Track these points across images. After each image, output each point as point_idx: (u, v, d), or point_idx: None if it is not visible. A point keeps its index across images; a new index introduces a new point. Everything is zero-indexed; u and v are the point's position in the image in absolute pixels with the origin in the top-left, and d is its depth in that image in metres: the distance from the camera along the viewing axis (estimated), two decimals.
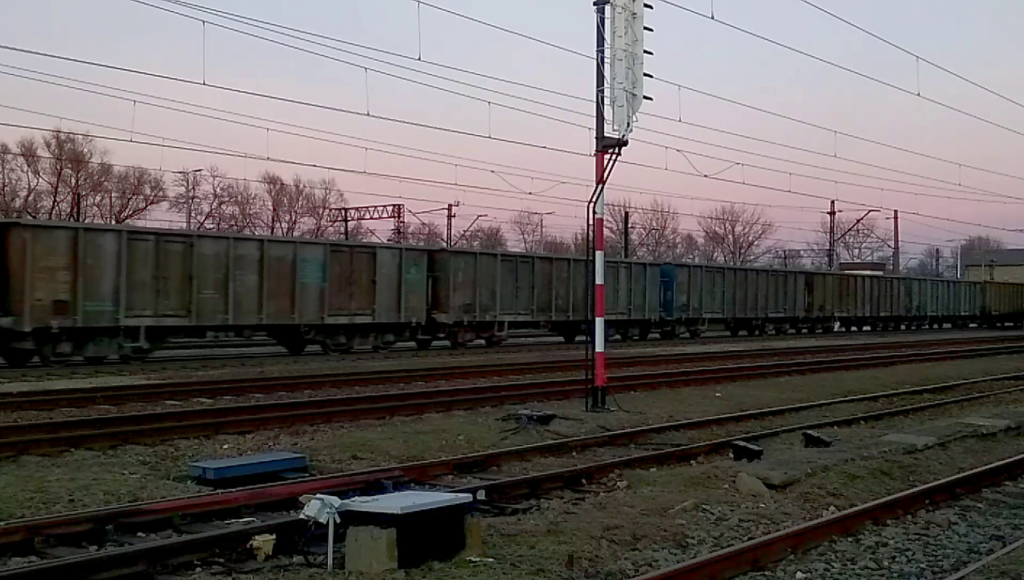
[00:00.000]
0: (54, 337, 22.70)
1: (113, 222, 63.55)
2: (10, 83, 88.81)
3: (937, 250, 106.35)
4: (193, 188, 71.85)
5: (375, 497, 7.20)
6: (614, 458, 11.29)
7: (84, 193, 64.43)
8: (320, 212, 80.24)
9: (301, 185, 79.85)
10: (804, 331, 49.73)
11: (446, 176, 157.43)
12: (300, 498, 8.20)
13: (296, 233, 74.96)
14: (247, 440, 12.35)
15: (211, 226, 72.04)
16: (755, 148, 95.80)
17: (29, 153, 65.51)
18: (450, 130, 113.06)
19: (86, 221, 55.23)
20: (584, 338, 36.93)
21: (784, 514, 8.52)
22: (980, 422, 14.35)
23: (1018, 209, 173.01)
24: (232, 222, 75.93)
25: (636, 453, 11.74)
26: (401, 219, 67.63)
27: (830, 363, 26.68)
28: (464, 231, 76.74)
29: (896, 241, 77.05)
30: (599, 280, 16.43)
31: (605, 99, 15.74)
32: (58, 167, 67.23)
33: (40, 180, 68.25)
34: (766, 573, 6.81)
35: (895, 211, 72.01)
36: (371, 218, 69.01)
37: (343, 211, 71.94)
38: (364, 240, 60.13)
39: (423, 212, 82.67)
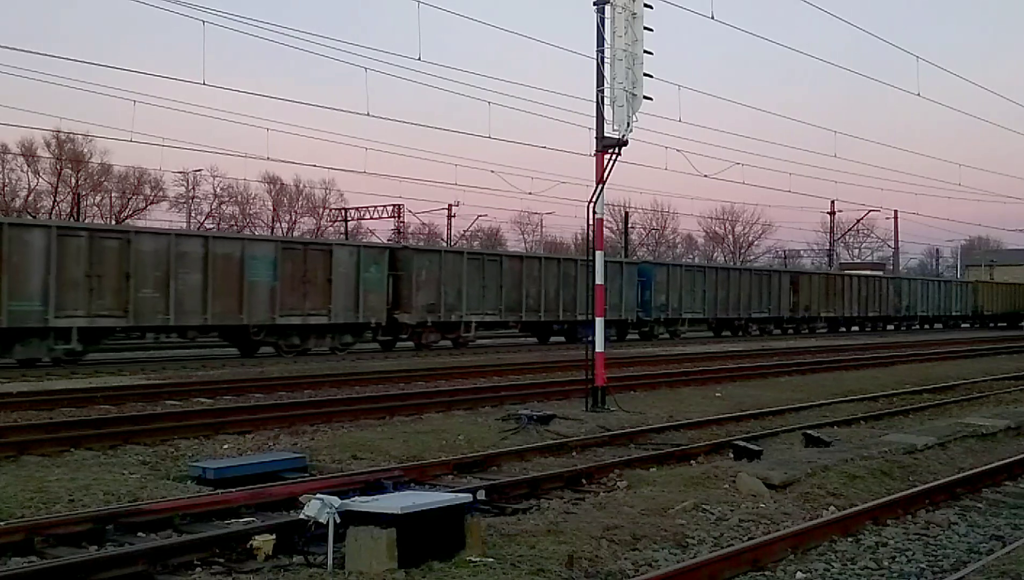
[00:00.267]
0: None
1: (113, 222, 63.60)
2: (10, 83, 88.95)
3: (937, 250, 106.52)
4: (193, 188, 72.01)
5: (375, 497, 7.20)
6: (614, 458, 11.29)
7: (84, 193, 64.48)
8: (320, 212, 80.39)
9: (301, 185, 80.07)
10: (790, 331, 48.56)
11: (446, 176, 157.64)
12: (300, 498, 8.21)
13: (296, 233, 75.00)
14: (247, 440, 12.35)
15: (211, 226, 72.11)
16: (755, 148, 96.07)
17: (29, 153, 65.62)
18: (450, 130, 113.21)
19: (87, 221, 55.23)
20: (561, 339, 37.27)
21: (784, 514, 8.52)
22: (980, 422, 14.35)
23: (1018, 209, 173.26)
24: (232, 222, 75.98)
25: (636, 453, 11.73)
26: (401, 219, 67.69)
27: (830, 363, 26.67)
28: (464, 231, 76.86)
29: (896, 241, 77.08)
30: (599, 280, 16.41)
31: (605, 99, 15.74)
32: (58, 167, 67.27)
33: (40, 180, 68.44)
34: (766, 573, 6.81)
35: (895, 211, 72.08)
36: (371, 218, 69.08)
37: (343, 211, 72.00)
38: (321, 238, 58.88)
39: (423, 212, 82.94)
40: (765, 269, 55.15)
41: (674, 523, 7.94)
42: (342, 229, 71.37)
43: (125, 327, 24.44)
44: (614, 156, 15.81)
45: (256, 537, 7.05)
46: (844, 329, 53.41)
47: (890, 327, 57.67)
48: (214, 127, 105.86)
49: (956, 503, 9.25)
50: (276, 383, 19.10)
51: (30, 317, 22.32)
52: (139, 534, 7.55)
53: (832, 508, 8.78)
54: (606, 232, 62.13)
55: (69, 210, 61.62)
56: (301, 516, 6.78)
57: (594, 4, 15.77)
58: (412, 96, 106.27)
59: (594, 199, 16.01)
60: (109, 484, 9.10)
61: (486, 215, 76.26)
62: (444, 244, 68.60)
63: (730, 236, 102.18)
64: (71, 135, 65.01)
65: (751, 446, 11.46)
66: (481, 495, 7.74)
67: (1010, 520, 8.69)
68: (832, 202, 71.93)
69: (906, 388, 20.09)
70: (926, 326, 61.66)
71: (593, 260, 16.42)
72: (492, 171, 57.42)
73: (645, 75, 15.53)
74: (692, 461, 11.22)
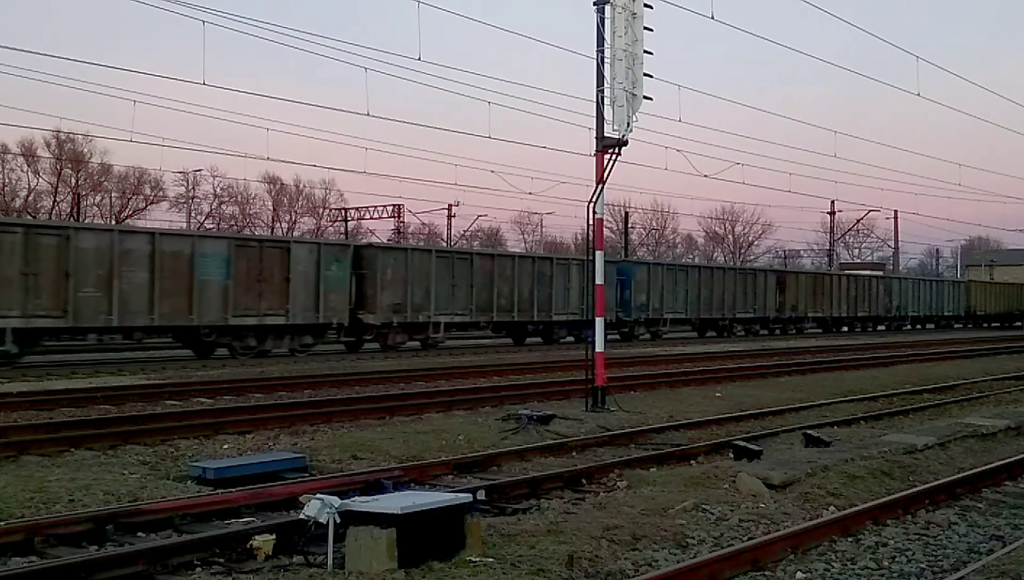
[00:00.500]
0: None
1: (113, 222, 63.60)
2: (10, 83, 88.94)
3: (937, 250, 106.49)
4: (193, 188, 71.97)
5: (375, 497, 7.20)
6: (614, 458, 11.29)
7: (84, 193, 64.48)
8: (320, 212, 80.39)
9: (301, 185, 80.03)
10: (776, 332, 47.60)
11: (446, 176, 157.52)
12: (300, 498, 8.21)
13: (296, 233, 74.97)
14: (247, 440, 12.36)
15: (211, 226, 72.12)
16: (755, 148, 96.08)
17: (29, 153, 65.60)
18: (450, 130, 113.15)
19: (85, 221, 55.20)
20: (537, 340, 36.31)
21: (784, 514, 8.52)
22: (980, 422, 14.35)
23: (1018, 209, 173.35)
24: (232, 222, 75.97)
25: (636, 453, 11.74)
26: (401, 219, 67.69)
27: (829, 363, 26.67)
28: (464, 231, 76.85)
29: (896, 241, 77.12)
30: (599, 280, 16.43)
31: (605, 99, 15.74)
32: (58, 167, 67.26)
33: (40, 180, 68.41)
34: (766, 573, 6.81)
35: (895, 211, 72.11)
36: (371, 218, 69.07)
37: (343, 211, 71.99)
38: (277, 235, 57.71)
39: (423, 212, 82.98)
40: (750, 268, 53.90)
41: (674, 523, 7.94)
42: (342, 229, 71.38)
43: (64, 328, 23.40)
44: (614, 156, 15.81)
45: (256, 537, 7.06)
46: (834, 329, 52.00)
47: (881, 327, 56.52)
48: (214, 127, 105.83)
49: (956, 503, 9.25)
50: (276, 383, 19.11)
51: None
52: (139, 534, 7.56)
53: (832, 508, 8.79)
54: (606, 232, 62.09)
55: (69, 210, 61.62)
56: (301, 516, 6.78)
57: (594, 4, 15.77)
58: (412, 96, 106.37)
59: (594, 199, 16.01)
60: (109, 484, 9.10)
61: (486, 215, 76.38)
62: (444, 244, 68.61)
63: (730, 236, 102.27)
64: (71, 135, 65.11)
65: (751, 446, 11.46)
66: (481, 495, 7.74)
67: (1010, 520, 8.69)
68: (832, 202, 72.03)
69: (906, 388, 20.09)
70: (918, 326, 60.48)
71: (593, 260, 16.42)
72: (492, 171, 57.45)
73: (645, 75, 15.54)
74: (692, 461, 11.22)
